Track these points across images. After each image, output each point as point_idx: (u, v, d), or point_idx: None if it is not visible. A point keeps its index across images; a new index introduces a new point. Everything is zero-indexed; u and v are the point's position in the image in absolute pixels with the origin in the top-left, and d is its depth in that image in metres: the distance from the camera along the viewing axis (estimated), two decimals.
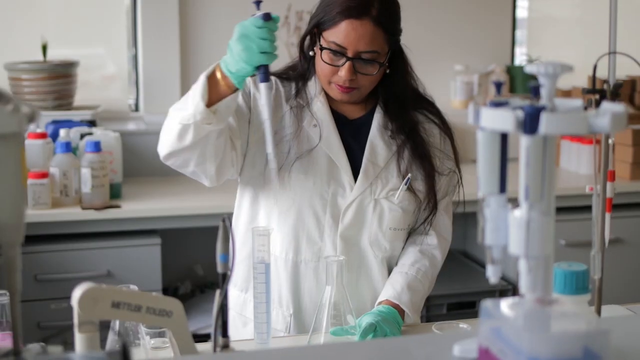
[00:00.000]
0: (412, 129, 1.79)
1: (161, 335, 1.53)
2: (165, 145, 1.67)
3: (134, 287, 1.40)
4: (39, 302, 2.76)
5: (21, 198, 0.90)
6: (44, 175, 2.76)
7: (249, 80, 1.80)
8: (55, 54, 3.36)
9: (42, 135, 2.91)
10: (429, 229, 1.81)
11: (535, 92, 0.93)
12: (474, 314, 3.13)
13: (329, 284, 1.56)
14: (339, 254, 1.71)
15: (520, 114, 0.91)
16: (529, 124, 0.91)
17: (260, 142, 1.75)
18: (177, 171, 1.76)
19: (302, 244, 1.75)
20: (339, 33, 1.68)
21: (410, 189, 1.76)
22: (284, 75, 1.84)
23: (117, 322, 1.35)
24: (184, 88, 3.64)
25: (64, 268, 2.79)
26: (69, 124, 3.10)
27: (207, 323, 2.99)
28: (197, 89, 1.59)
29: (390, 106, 1.79)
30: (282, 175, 1.73)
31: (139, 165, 3.37)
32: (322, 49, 1.71)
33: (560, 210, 3.11)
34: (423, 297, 1.77)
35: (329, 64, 1.71)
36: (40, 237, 2.76)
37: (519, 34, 4.29)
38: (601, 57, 1.30)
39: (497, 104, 0.95)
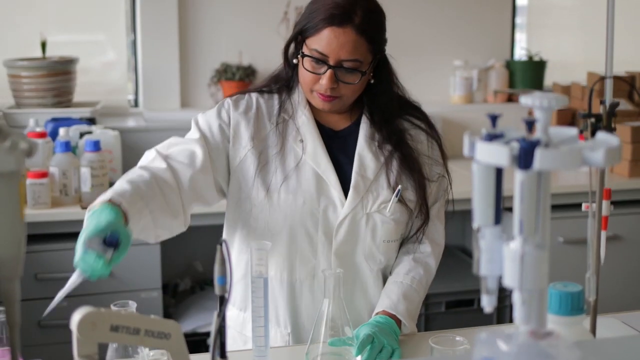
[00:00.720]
0: (399, 139, 1.76)
1: None
2: None
3: (132, 304, 1.41)
4: (39, 301, 2.75)
5: (20, 233, 0.90)
6: (44, 174, 2.77)
7: (227, 103, 1.77)
8: (55, 41, 3.36)
9: (42, 135, 2.91)
10: (422, 237, 1.79)
11: (530, 126, 0.93)
12: (472, 312, 3.16)
13: (326, 297, 1.56)
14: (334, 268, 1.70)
15: (515, 148, 0.91)
16: (524, 159, 0.91)
17: (244, 166, 1.73)
18: None
19: (296, 263, 1.74)
20: (321, 40, 1.65)
21: (401, 200, 1.74)
22: (266, 89, 1.81)
23: None
24: (183, 83, 3.64)
25: (64, 267, 2.77)
26: (68, 121, 3.11)
27: (206, 321, 3.01)
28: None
29: (375, 116, 1.77)
30: (271, 196, 1.71)
31: None
32: (303, 56, 1.69)
33: (558, 207, 3.16)
34: (418, 305, 1.76)
35: (310, 71, 1.68)
36: (40, 236, 2.78)
37: (519, 20, 4.28)
38: (596, 82, 1.30)
39: (492, 137, 0.95)
